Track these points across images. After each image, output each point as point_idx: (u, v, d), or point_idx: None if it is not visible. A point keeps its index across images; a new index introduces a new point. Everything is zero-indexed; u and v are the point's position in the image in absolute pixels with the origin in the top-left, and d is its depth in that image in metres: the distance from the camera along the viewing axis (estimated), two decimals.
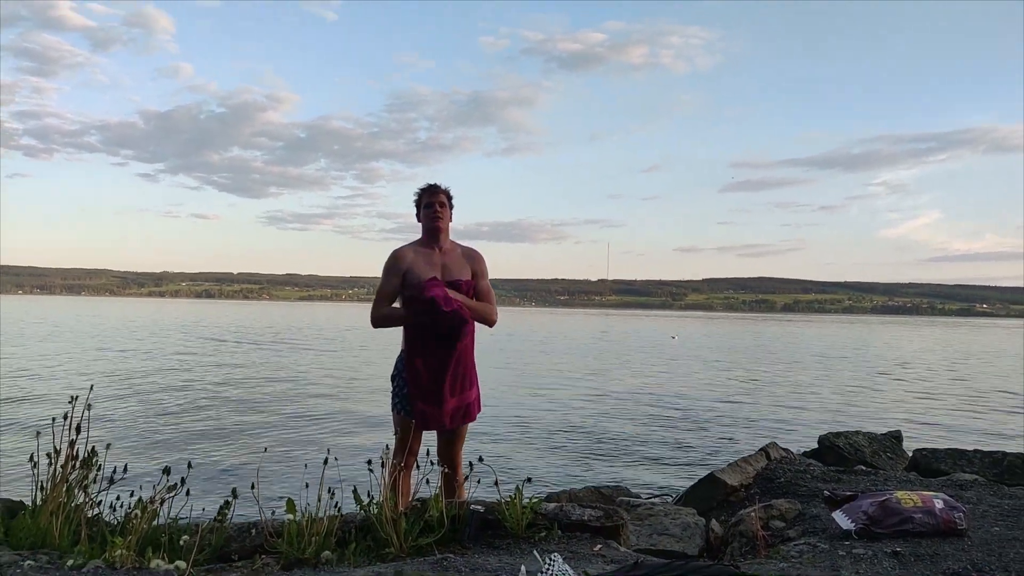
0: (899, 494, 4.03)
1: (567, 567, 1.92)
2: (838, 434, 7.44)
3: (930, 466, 6.44)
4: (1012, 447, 10.02)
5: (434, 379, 4.14)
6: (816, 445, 7.43)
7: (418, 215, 4.40)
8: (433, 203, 4.32)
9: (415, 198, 4.42)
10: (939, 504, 3.88)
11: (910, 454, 7.15)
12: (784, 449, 6.68)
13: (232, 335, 43.86)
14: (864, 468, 6.23)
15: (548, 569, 1.88)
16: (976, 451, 6.83)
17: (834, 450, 7.02)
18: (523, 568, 1.95)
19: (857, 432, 7.69)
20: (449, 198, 4.40)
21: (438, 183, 4.43)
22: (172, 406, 14.46)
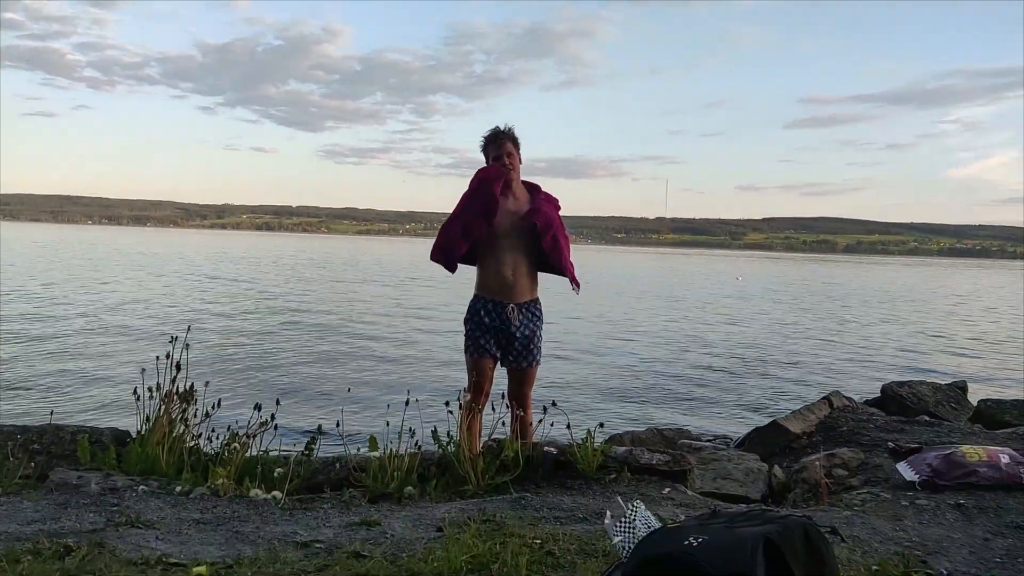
0: (964, 447, 4.09)
1: (649, 514, 2.06)
2: (901, 383, 7.42)
3: (995, 417, 6.41)
4: None
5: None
6: (879, 394, 7.44)
7: (487, 162, 4.23)
8: (501, 156, 4.14)
9: (481, 145, 4.27)
10: (1005, 459, 3.93)
11: (975, 404, 7.11)
12: (847, 398, 6.71)
13: (308, 270, 44.84)
14: (927, 419, 6.23)
15: (632, 515, 2.02)
16: None
17: (897, 399, 7.02)
18: (608, 513, 2.09)
19: (921, 382, 7.66)
20: (516, 142, 4.22)
21: (501, 128, 4.21)
22: (262, 342, 14.92)
